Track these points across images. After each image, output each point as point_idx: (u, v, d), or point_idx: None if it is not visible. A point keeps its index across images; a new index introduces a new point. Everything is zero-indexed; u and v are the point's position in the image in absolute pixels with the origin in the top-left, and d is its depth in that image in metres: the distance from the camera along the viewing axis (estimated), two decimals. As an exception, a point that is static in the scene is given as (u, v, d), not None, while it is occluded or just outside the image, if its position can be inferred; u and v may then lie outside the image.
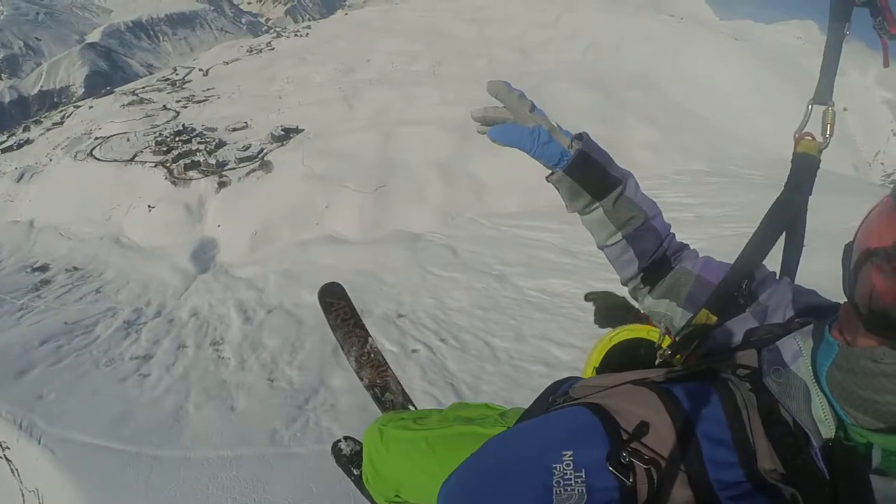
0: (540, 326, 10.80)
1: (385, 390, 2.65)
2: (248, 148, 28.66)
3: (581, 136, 1.25)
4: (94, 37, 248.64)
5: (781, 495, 0.71)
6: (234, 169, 27.12)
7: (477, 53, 45.13)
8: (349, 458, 2.51)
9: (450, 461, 1.11)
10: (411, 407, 2.72)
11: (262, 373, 9.94)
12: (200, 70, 51.39)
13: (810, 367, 0.80)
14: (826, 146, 1.20)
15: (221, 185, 25.97)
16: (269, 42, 60.52)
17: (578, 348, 8.11)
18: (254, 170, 26.80)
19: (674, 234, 1.31)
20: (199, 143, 29.74)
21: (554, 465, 0.83)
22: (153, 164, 27.77)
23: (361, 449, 2.24)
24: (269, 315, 13.67)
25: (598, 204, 1.23)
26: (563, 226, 16.89)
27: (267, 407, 8.55)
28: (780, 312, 0.97)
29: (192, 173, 26.69)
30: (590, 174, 1.20)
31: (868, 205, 0.76)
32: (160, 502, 6.35)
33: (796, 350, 0.83)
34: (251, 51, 57.17)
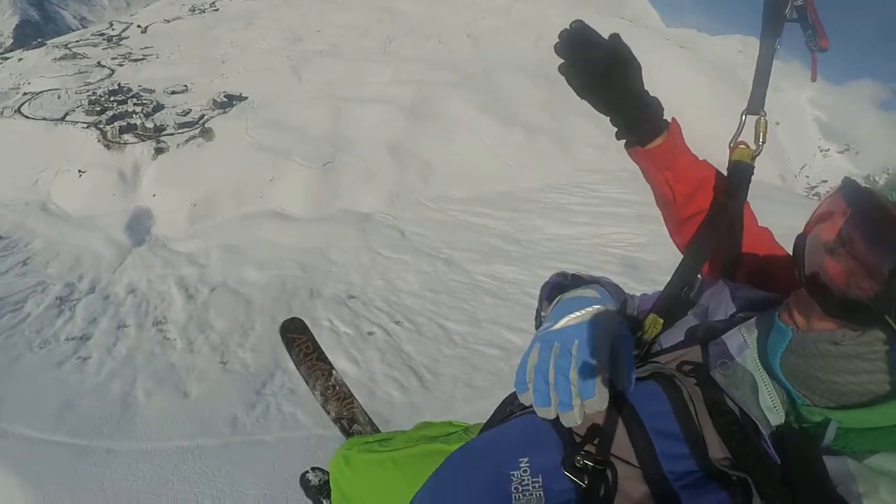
0: (492, 311, 10.57)
1: (353, 422, 2.58)
2: (189, 113, 27.37)
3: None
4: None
5: (732, 481, 0.74)
6: (172, 135, 25.85)
7: (427, 34, 44.73)
8: (318, 489, 2.54)
9: (417, 479, 1.15)
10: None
11: (212, 356, 9.74)
12: (139, 27, 48.53)
13: (756, 359, 0.83)
14: (759, 153, 1.26)
15: (159, 151, 24.75)
16: (214, 2, 57.62)
17: (531, 333, 8.40)
18: (194, 136, 25.66)
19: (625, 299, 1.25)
20: (135, 104, 28.13)
21: (511, 473, 0.86)
22: (85, 125, 26.05)
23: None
24: (214, 293, 13.32)
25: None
26: (509, 214, 17.27)
27: (222, 392, 8.38)
28: (721, 310, 1.00)
29: (127, 137, 25.23)
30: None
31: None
32: (122, 499, 5.99)
33: (742, 342, 0.86)
34: (194, 10, 54.44)
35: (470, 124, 28.64)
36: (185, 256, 16.44)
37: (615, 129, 1.27)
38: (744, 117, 1.27)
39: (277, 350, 8.65)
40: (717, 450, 0.78)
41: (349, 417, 2.57)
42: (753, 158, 1.24)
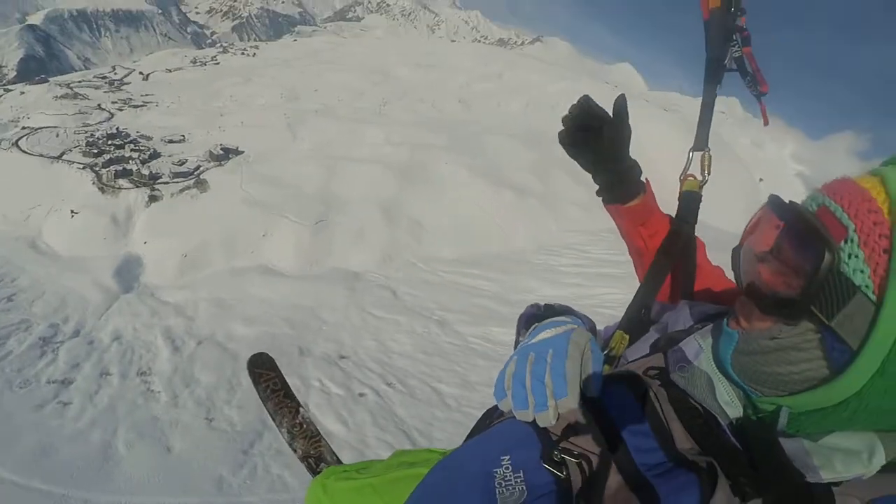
0: (485, 373, 10.46)
1: (320, 461, 2.59)
2: (185, 163, 27.70)
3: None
4: (35, 19, 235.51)
5: (700, 466, 0.79)
6: (167, 183, 26.05)
7: (421, 98, 46.18)
8: None
9: (398, 502, 1.16)
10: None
11: (198, 411, 9.52)
12: (141, 73, 49.69)
13: (711, 361, 0.89)
14: (705, 182, 1.39)
15: (153, 198, 24.86)
16: (215, 56, 59.56)
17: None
18: (188, 187, 25.84)
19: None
20: (132, 150, 28.51)
21: (495, 470, 0.90)
22: (81, 166, 26.24)
23: None
24: (200, 347, 13.04)
25: None
26: (500, 275, 17.35)
27: (208, 450, 8.16)
28: (680, 324, 1.06)
29: (122, 182, 25.41)
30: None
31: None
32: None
33: (697, 348, 0.93)
34: (195, 62, 56.05)
35: (461, 186, 29.19)
36: (173, 307, 16.23)
37: (597, 187, 1.38)
38: (691, 154, 1.41)
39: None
40: (683, 441, 0.84)
41: (316, 456, 2.49)
42: (701, 187, 1.38)
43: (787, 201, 0.81)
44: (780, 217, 0.80)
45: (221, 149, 29.26)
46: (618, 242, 1.39)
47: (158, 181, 25.91)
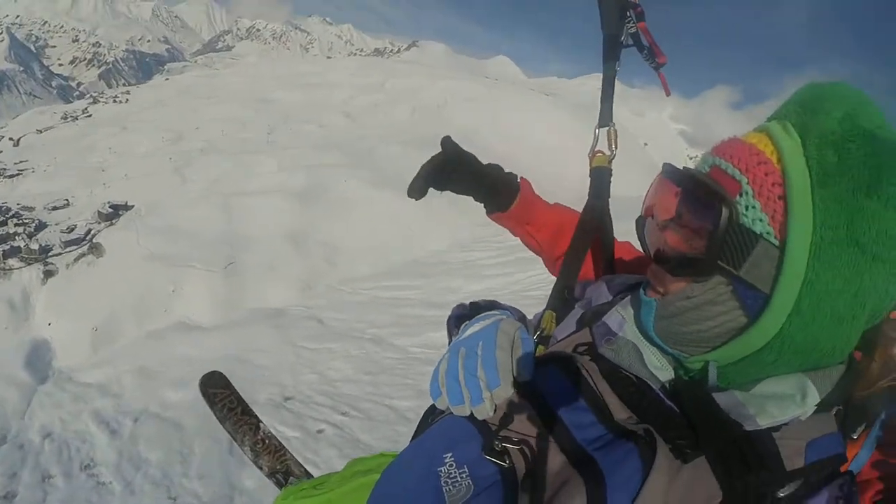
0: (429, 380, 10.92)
1: (288, 475, 2.48)
2: (74, 229, 26.14)
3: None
4: None
5: (639, 435, 0.81)
6: (60, 254, 24.46)
7: (307, 119, 45.51)
8: None
9: None
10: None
11: (157, 493, 8.76)
12: (10, 139, 46.27)
13: (636, 329, 0.92)
14: (613, 157, 1.42)
15: (48, 273, 23.25)
16: (86, 108, 55.75)
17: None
18: (83, 254, 24.30)
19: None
20: (16, 224, 26.60)
21: (439, 469, 0.90)
22: (-38, 256, 24.00)
23: None
24: (138, 423, 12.08)
25: None
26: (421, 281, 17.51)
27: (182, 532, 8.06)
28: (603, 297, 1.09)
29: (11, 262, 23.68)
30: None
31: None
32: None
33: (620, 319, 0.95)
34: (66, 117, 52.58)
35: (364, 200, 29.09)
36: (95, 388, 15.06)
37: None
38: (597, 131, 1.45)
39: (230, 470, 8.08)
40: (620, 412, 0.86)
41: (283, 471, 2.51)
42: (610, 162, 1.43)
43: (680, 167, 0.86)
44: (676, 184, 0.84)
45: (110, 206, 27.89)
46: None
47: (50, 254, 24.51)
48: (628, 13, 1.39)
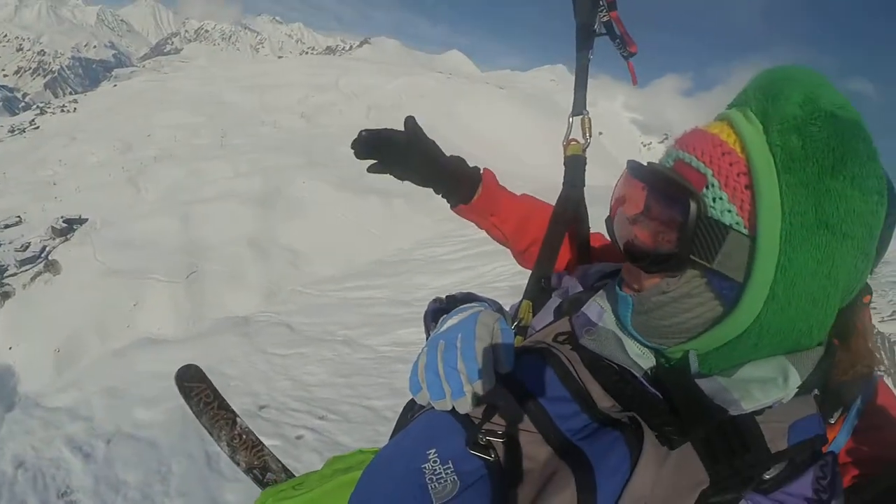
0: (408, 377, 10.97)
1: (266, 470, 2.42)
2: (28, 247, 25.30)
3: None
4: None
5: (624, 423, 0.80)
6: (15, 275, 23.79)
7: (262, 121, 44.79)
8: None
9: None
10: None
11: None
12: None
13: (615, 318, 0.91)
14: (588, 146, 1.41)
15: (4, 295, 22.51)
16: (33, 120, 53.99)
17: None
18: (39, 273, 23.64)
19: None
20: None
21: (423, 466, 0.87)
22: None
23: None
24: (111, 445, 11.68)
25: None
26: (387, 280, 17.48)
27: (168, 555, 7.61)
28: (580, 287, 1.08)
29: None
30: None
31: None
32: None
33: (599, 310, 0.94)
34: (13, 130, 51.12)
35: (324, 201, 28.83)
36: (64, 412, 14.45)
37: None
38: (570, 119, 1.43)
39: (210, 486, 7.92)
40: (604, 400, 0.84)
41: (261, 466, 2.45)
42: (584, 150, 1.42)
43: (645, 164, 0.85)
44: (641, 180, 0.83)
45: (63, 221, 27.05)
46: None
47: (6, 275, 23.80)
48: (601, 2, 1.40)
